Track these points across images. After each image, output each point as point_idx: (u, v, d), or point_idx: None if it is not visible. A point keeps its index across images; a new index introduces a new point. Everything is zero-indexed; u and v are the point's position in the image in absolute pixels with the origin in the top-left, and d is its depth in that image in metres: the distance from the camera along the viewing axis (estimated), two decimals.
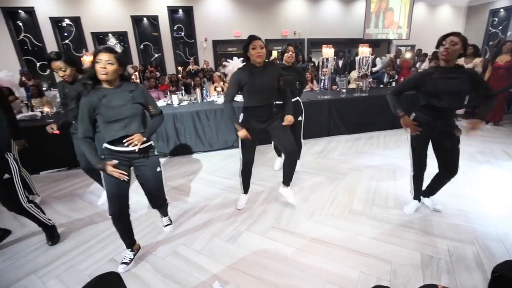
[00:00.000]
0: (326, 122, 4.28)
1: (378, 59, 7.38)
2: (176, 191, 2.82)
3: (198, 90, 4.36)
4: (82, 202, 2.73)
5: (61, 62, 2.07)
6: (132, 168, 1.74)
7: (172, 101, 4.12)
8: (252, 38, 1.91)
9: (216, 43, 9.12)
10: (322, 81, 4.87)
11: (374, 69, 6.89)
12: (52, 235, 2.12)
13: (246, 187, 2.44)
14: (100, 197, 2.76)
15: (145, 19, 8.48)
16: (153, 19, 8.48)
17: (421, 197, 2.28)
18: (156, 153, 1.80)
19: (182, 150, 3.80)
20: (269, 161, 3.48)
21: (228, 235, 2.08)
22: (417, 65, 6.49)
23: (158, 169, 1.78)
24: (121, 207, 1.66)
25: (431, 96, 1.85)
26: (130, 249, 1.85)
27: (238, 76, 2.00)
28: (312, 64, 7.74)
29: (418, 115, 2.00)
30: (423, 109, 1.96)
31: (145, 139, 1.67)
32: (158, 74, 7.22)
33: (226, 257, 1.85)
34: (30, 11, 7.60)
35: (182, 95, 4.51)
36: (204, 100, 4.39)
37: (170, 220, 2.22)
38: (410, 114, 2.05)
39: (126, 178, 1.62)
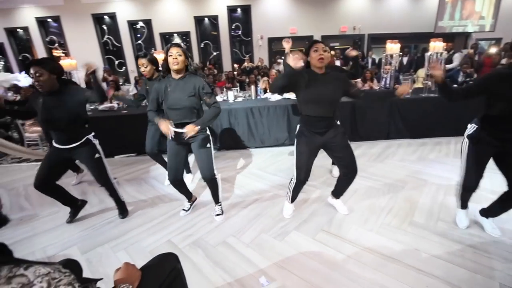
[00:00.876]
0: (386, 123, 3.95)
1: (456, 55, 6.45)
2: (227, 184, 2.93)
3: (252, 87, 4.43)
4: (146, 185, 3.03)
5: (145, 60, 2.54)
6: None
7: (228, 97, 4.27)
8: (315, 41, 1.80)
9: (271, 41, 9.15)
10: (384, 79, 4.49)
11: (449, 66, 6.07)
12: (123, 209, 2.43)
13: (294, 199, 2.25)
14: (162, 182, 3.04)
15: (206, 19, 8.95)
16: (214, 19, 8.90)
17: (481, 217, 1.99)
18: (208, 133, 2.08)
19: (235, 144, 3.93)
20: (323, 160, 3.36)
21: (277, 232, 2.08)
22: (504, 61, 5.52)
23: (208, 145, 2.07)
24: (177, 175, 2.14)
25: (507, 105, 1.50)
26: (188, 201, 2.41)
27: (294, 81, 1.79)
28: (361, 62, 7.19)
29: (481, 128, 1.67)
30: (491, 120, 1.63)
31: (197, 128, 1.85)
32: (215, 71, 7.57)
33: (273, 254, 1.85)
34: (113, 16, 8.68)
35: (237, 92, 4.64)
36: (258, 97, 4.45)
37: (222, 211, 2.33)
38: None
39: (172, 135, 1.89)
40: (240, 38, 9.20)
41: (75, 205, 2.41)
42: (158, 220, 2.34)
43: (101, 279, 0.91)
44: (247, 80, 7.20)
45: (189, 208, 2.42)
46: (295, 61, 1.71)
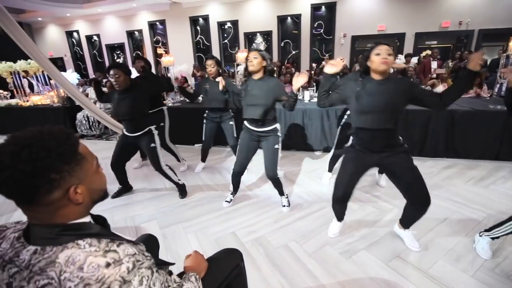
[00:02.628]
0: (495, 141, 3.14)
1: None
2: (294, 185, 2.83)
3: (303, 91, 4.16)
4: (219, 175, 3.19)
5: (213, 61, 2.77)
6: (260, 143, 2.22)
7: (303, 97, 4.13)
8: (378, 43, 1.54)
9: (355, 39, 8.47)
10: (498, 85, 3.57)
11: None
12: (182, 191, 2.68)
13: (339, 217, 1.99)
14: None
15: (289, 18, 8.88)
16: (296, 18, 8.76)
17: None
18: (279, 134, 2.16)
19: (305, 145, 3.77)
20: None
21: (343, 248, 1.88)
22: None
23: (276, 146, 2.13)
24: (242, 169, 2.28)
25: None
26: (232, 194, 2.51)
27: (345, 90, 1.61)
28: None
29: None
30: None
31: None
32: (293, 70, 7.47)
33: (337, 271, 1.67)
34: (206, 18, 9.48)
35: (314, 92, 4.44)
36: (312, 100, 4.15)
37: (288, 203, 2.39)
38: None
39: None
40: (321, 36, 8.82)
41: (126, 187, 2.79)
42: (226, 210, 2.42)
43: (173, 263, 0.95)
44: None
45: (231, 200, 2.52)
46: (334, 66, 1.62)
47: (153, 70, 9.23)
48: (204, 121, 3.05)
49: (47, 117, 5.18)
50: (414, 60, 6.23)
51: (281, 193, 2.39)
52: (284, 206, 2.38)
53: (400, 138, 1.67)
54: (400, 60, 6.39)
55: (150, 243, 1.30)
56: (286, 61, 8.87)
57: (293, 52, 9.21)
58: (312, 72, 7.25)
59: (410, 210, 1.74)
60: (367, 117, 1.54)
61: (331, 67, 1.64)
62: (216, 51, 9.75)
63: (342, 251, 1.85)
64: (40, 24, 11.37)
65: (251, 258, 1.81)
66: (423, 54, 6.51)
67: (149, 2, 8.95)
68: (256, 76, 2.05)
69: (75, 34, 11.34)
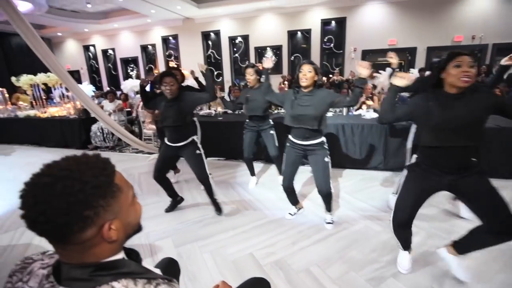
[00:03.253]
0: None
1: None
2: (310, 203, 2.72)
3: None
4: (232, 190, 3.11)
5: (253, 69, 2.73)
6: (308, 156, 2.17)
7: (342, 111, 4.06)
8: (457, 53, 1.34)
9: (365, 53, 8.47)
10: None
11: None
12: (218, 207, 2.56)
13: (405, 246, 1.74)
14: (246, 189, 3.08)
15: (299, 32, 8.98)
16: (306, 32, 8.85)
17: None
18: (325, 146, 2.10)
19: (341, 162, 3.62)
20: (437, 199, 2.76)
21: (369, 275, 1.75)
22: None
23: (326, 159, 2.09)
24: (290, 182, 2.26)
25: None
26: (295, 206, 2.46)
27: (415, 105, 1.46)
28: None
29: None
30: None
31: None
32: None
33: None
34: (217, 33, 9.68)
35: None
36: (350, 113, 4.08)
37: (332, 220, 2.31)
38: None
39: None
40: (331, 50, 8.86)
41: (175, 199, 2.69)
42: (242, 229, 2.32)
43: None
44: None
45: (295, 213, 2.48)
46: (403, 79, 1.47)
47: None
48: (244, 130, 3.02)
49: (64, 129, 5.26)
50: (428, 74, 6.12)
51: (329, 209, 2.29)
52: (329, 223, 2.29)
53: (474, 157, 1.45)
54: (413, 74, 6.31)
55: (172, 268, 1.23)
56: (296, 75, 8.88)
57: None
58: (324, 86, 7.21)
59: (483, 236, 1.45)
60: (443, 134, 1.36)
61: (400, 80, 1.47)
62: (226, 65, 9.89)
63: (369, 277, 1.73)
64: (59, 38, 11.82)
65: (272, 283, 1.70)
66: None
67: (163, 17, 9.21)
68: (305, 90, 2.01)
69: (91, 48, 11.73)
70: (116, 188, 0.58)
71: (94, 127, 5.05)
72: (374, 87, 5.52)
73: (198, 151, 2.41)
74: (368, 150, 3.43)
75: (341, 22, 8.45)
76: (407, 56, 8.36)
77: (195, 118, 3.22)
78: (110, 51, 11.45)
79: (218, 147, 4.12)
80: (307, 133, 2.05)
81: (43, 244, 2.19)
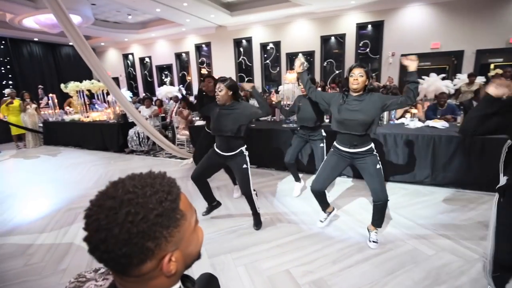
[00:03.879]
0: None
1: None
2: (350, 218, 2.55)
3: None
4: (265, 200, 3.03)
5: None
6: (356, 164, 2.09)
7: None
8: None
9: None
10: None
11: None
12: (258, 221, 2.47)
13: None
14: (280, 199, 2.99)
15: (332, 37, 8.78)
16: (340, 37, 8.63)
17: None
18: (375, 153, 2.02)
19: (359, 173, 3.46)
20: None
21: None
22: None
23: (378, 166, 2.00)
24: (323, 187, 2.16)
25: None
26: (325, 211, 2.38)
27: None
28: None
29: None
30: None
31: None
32: (337, 90, 7.24)
33: None
34: (249, 40, 9.81)
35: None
36: (391, 122, 3.83)
37: (377, 239, 2.14)
38: None
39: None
40: (367, 55, 8.52)
41: (212, 203, 2.65)
42: (277, 242, 2.23)
43: None
44: None
45: (326, 218, 2.41)
46: (500, 89, 1.24)
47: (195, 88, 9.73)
48: (294, 135, 3.03)
49: (104, 132, 5.60)
50: (478, 80, 5.57)
51: (379, 223, 2.12)
52: (374, 242, 2.11)
53: None
54: (460, 79, 5.80)
55: (212, 285, 1.18)
56: (329, 81, 8.68)
57: (336, 72, 9.00)
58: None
59: None
60: None
61: (498, 89, 1.24)
62: (257, 71, 9.96)
63: None
64: (102, 48, 12.80)
65: None
66: (491, 73, 5.85)
67: (197, 26, 9.56)
68: (357, 92, 1.95)
69: (130, 56, 12.53)
70: (180, 215, 0.53)
71: (131, 132, 5.31)
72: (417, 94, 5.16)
73: (245, 166, 2.34)
74: (413, 163, 3.16)
75: (378, 26, 8.11)
76: (452, 61, 7.76)
77: None
78: (147, 59, 12.13)
79: (250, 153, 4.07)
80: (354, 140, 1.97)
81: (85, 245, 2.29)
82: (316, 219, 2.53)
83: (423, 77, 5.02)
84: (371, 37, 8.36)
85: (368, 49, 8.45)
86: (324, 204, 2.34)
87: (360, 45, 8.48)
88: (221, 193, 3.26)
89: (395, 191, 3.08)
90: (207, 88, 2.92)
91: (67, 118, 6.17)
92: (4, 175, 4.44)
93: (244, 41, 10.00)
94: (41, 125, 6.49)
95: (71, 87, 5.94)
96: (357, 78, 1.88)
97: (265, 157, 4.06)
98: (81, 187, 3.67)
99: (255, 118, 2.51)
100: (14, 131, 6.06)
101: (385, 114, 3.80)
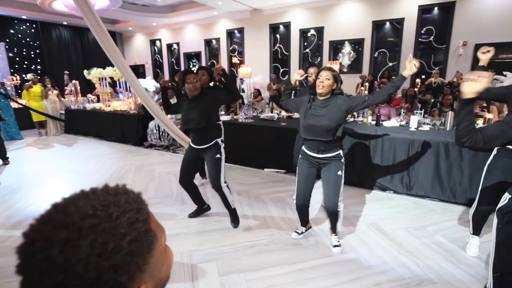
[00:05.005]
0: None
1: None
2: (395, 247, 2.33)
3: (449, 113, 3.49)
4: (291, 213, 2.89)
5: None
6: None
7: (408, 122, 3.58)
8: None
9: (479, 48, 7.25)
10: None
11: None
12: (235, 218, 2.61)
13: None
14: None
15: (387, 23, 8.28)
16: (397, 23, 8.10)
17: None
18: (342, 160, 2.14)
19: (404, 188, 3.19)
20: None
21: None
22: None
23: (339, 173, 2.11)
24: (306, 201, 2.27)
25: None
26: (303, 226, 2.50)
27: None
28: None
29: None
30: None
31: None
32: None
33: None
34: (287, 25, 9.66)
35: (423, 116, 3.82)
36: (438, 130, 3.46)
37: (339, 242, 2.29)
38: None
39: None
40: (430, 44, 7.89)
41: (201, 206, 2.85)
42: (300, 266, 2.11)
43: None
44: (432, 100, 6.01)
45: (303, 232, 2.49)
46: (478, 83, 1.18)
47: None
48: (297, 135, 3.07)
49: (123, 123, 5.90)
50: None
51: (334, 229, 2.31)
52: (336, 246, 2.28)
53: None
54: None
55: None
56: (380, 75, 8.19)
57: (390, 64, 8.48)
58: (416, 89, 6.45)
59: None
60: None
61: (473, 84, 1.18)
62: (295, 61, 9.77)
63: None
64: (130, 33, 13.57)
65: None
66: None
67: (230, 9, 9.65)
68: (321, 97, 2.07)
69: (157, 42, 13.10)
70: (153, 237, 0.46)
71: (151, 124, 5.51)
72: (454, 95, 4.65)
73: (218, 155, 2.50)
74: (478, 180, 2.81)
75: (448, 9, 7.45)
76: None
77: (220, 122, 3.17)
78: (175, 46, 12.59)
79: (277, 157, 3.99)
80: (322, 146, 2.09)
81: None
82: (353, 242, 2.37)
83: (504, 72, 4.48)
84: (437, 22, 7.71)
85: (432, 37, 7.81)
86: (305, 219, 2.46)
87: (422, 32, 7.87)
88: (241, 199, 3.21)
89: (453, 215, 2.77)
90: (202, 82, 2.92)
91: (89, 106, 6.62)
92: (23, 163, 4.87)
93: (281, 27, 9.87)
94: (63, 112, 7.04)
95: (93, 74, 6.35)
96: (323, 81, 1.99)
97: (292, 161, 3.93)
98: (96, 180, 3.88)
99: (224, 103, 2.96)
100: (35, 117, 6.63)
101: (448, 116, 3.44)
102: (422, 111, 4.15)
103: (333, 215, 2.20)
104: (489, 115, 3.22)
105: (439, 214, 2.82)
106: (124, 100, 6.47)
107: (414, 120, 3.52)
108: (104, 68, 6.48)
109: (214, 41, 11.50)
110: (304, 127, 2.10)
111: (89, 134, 6.66)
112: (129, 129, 5.83)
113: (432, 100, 6.04)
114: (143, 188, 3.59)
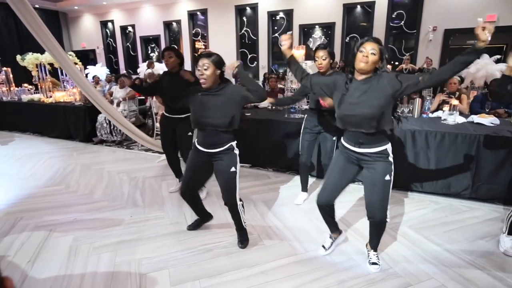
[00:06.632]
0: None
1: None
2: (364, 244, 2.38)
3: (417, 100, 3.63)
4: (254, 210, 2.88)
5: (325, 51, 2.53)
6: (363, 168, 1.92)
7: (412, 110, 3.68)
8: None
9: (449, 34, 7.67)
10: None
11: None
12: (244, 238, 2.36)
13: None
14: (271, 209, 2.83)
15: (358, 6, 8.46)
16: (368, 6, 8.30)
17: None
18: (390, 159, 1.83)
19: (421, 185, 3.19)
20: None
21: None
22: None
23: (387, 178, 1.81)
24: (332, 198, 2.00)
25: None
26: (332, 235, 2.25)
27: None
28: None
29: None
30: None
31: None
32: None
33: None
34: (254, 7, 9.55)
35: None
36: (423, 116, 3.61)
37: (378, 260, 2.07)
38: None
39: None
40: (401, 30, 8.21)
41: (203, 217, 2.57)
42: (262, 267, 2.08)
43: None
44: None
45: (330, 245, 2.23)
46: None
47: (188, 67, 9.55)
48: (302, 130, 2.90)
49: (68, 117, 5.51)
50: None
51: (375, 246, 2.10)
52: (373, 264, 2.05)
53: None
54: None
55: None
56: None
57: None
58: None
59: None
60: None
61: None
62: (263, 47, 9.73)
63: None
64: (76, 13, 12.70)
65: None
66: None
67: None
68: (366, 74, 1.75)
69: (109, 24, 12.40)
70: None
71: (100, 117, 5.21)
72: (462, 80, 4.90)
73: (233, 169, 2.14)
74: (449, 170, 2.96)
75: None
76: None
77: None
78: (130, 28, 11.99)
79: (243, 150, 3.91)
80: (361, 138, 1.79)
81: (19, 260, 2.19)
82: (318, 238, 2.39)
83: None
84: (408, 7, 8.01)
85: (403, 21, 8.11)
86: (331, 224, 2.19)
87: (393, 16, 8.15)
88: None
89: (424, 205, 2.91)
90: (168, 64, 2.86)
91: (25, 97, 6.11)
92: None
93: (248, 9, 9.74)
94: None
95: (29, 60, 5.85)
96: (367, 55, 1.66)
97: (261, 154, 3.90)
98: (29, 185, 3.58)
99: (245, 103, 2.30)
100: None
101: (416, 104, 3.59)
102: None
103: (379, 227, 1.96)
104: (455, 102, 3.37)
105: (408, 205, 2.93)
106: (69, 90, 6.05)
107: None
108: (42, 54, 5.98)
109: (174, 24, 11.12)
110: (339, 118, 1.85)
111: (27, 131, 6.17)
112: (74, 124, 5.47)
113: None
114: (89, 191, 3.38)
